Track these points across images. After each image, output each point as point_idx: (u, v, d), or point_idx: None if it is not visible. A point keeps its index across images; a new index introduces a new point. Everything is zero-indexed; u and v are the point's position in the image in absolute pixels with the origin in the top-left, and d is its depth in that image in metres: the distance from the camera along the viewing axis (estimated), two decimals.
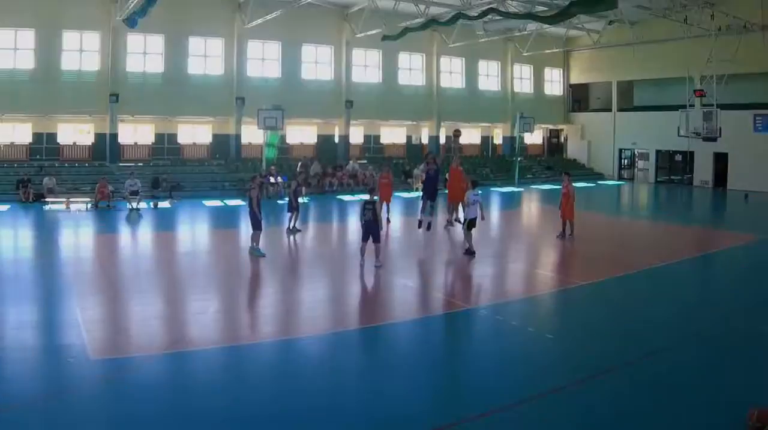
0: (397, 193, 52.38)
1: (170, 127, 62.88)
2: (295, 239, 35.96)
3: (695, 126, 61.85)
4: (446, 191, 38.28)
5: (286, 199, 40.69)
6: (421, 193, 37.63)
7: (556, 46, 78.18)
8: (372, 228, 27.51)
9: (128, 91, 57.68)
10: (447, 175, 39.47)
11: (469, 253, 30.38)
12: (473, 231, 30.74)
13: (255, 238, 30.53)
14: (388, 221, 39.32)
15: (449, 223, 37.67)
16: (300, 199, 39.85)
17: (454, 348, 18.56)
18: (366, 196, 28.68)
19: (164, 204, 50.08)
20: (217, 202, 51.90)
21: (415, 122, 75.16)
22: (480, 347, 18.52)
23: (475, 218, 30.39)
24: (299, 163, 60.90)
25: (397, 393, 14.85)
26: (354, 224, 37.81)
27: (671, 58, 68.97)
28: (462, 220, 32.78)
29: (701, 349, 18.28)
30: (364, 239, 27.86)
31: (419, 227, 34.65)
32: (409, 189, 60.79)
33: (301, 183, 43.05)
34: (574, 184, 35.56)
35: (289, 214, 37.45)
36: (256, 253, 30.10)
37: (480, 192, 31.03)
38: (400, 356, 17.53)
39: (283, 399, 14.38)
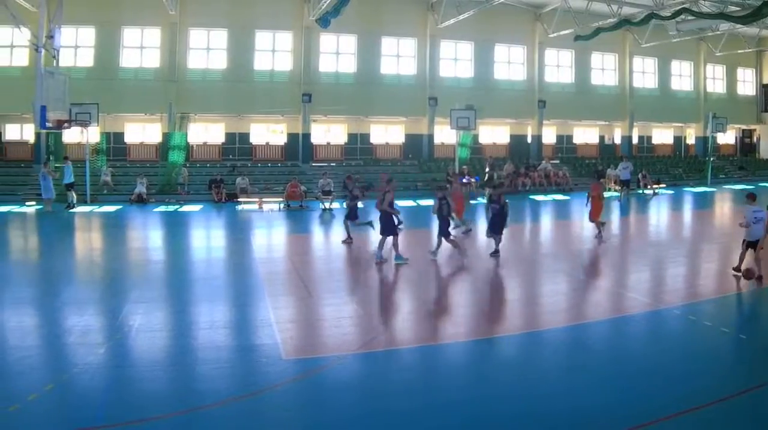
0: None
1: (363, 127, 59.59)
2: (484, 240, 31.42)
3: None
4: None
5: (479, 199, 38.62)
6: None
7: (748, 45, 69.82)
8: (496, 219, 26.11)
9: (321, 91, 54.97)
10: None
11: (749, 276, 22.37)
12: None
13: (394, 244, 25.94)
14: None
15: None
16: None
17: (649, 348, 16.51)
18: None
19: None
20: (410, 203, 47.53)
21: (607, 122, 69.00)
22: (675, 348, 16.44)
23: (756, 241, 22.86)
24: (486, 164, 55.40)
25: (594, 394, 13.31)
26: (545, 224, 35.47)
27: None
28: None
29: None
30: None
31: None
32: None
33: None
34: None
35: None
36: (397, 260, 25.62)
37: (762, 210, 24.73)
38: (595, 356, 15.95)
39: (478, 401, 12.81)
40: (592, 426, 11.85)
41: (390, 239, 25.97)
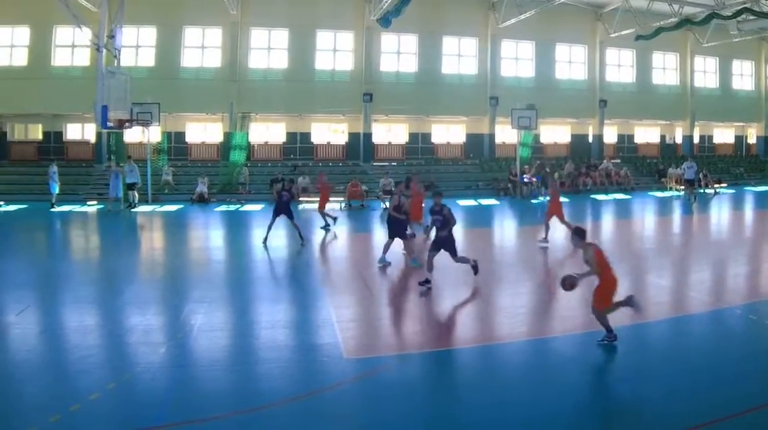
0: (650, 193, 53.08)
1: (424, 127, 58.49)
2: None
3: None
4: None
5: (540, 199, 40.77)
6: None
7: None
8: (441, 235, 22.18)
9: (382, 90, 54.22)
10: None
11: None
12: None
13: (407, 247, 24.84)
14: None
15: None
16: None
17: (709, 347, 15.99)
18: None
19: None
20: (470, 202, 47.59)
21: (668, 122, 66.72)
22: (735, 347, 15.85)
23: None
24: (536, 164, 53.64)
25: (652, 392, 12.79)
26: (605, 224, 35.05)
27: None
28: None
29: None
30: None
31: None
32: (663, 188, 55.88)
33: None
34: None
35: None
36: (412, 263, 24.24)
37: None
38: (656, 355, 15.29)
39: (541, 401, 12.48)
40: (651, 424, 11.58)
41: (398, 241, 24.97)
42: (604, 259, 15.41)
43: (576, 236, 15.84)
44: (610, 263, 15.60)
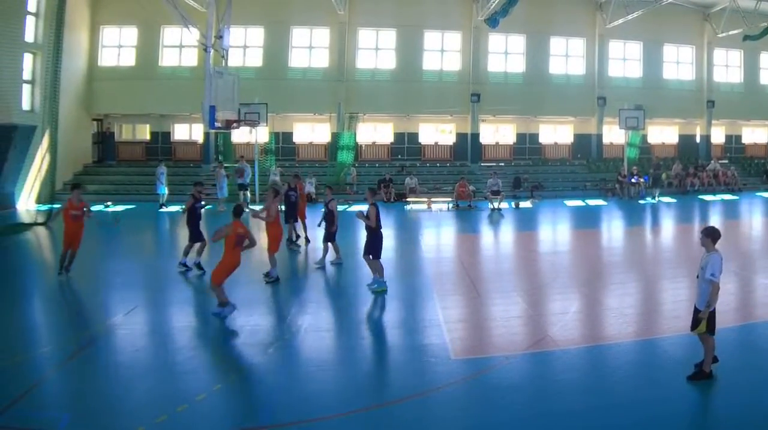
0: (758, 194, 50.04)
1: (531, 127, 55.98)
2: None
3: None
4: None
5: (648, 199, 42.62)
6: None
7: None
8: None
9: (489, 90, 51.95)
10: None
11: None
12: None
13: (376, 268, 20.17)
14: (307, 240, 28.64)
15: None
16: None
17: None
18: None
19: (525, 204, 44.85)
20: (578, 203, 45.91)
21: None
22: None
23: None
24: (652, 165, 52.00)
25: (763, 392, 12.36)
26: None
27: None
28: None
29: None
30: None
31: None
32: None
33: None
34: None
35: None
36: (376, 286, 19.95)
37: None
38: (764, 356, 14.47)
39: (647, 404, 11.98)
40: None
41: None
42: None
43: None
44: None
